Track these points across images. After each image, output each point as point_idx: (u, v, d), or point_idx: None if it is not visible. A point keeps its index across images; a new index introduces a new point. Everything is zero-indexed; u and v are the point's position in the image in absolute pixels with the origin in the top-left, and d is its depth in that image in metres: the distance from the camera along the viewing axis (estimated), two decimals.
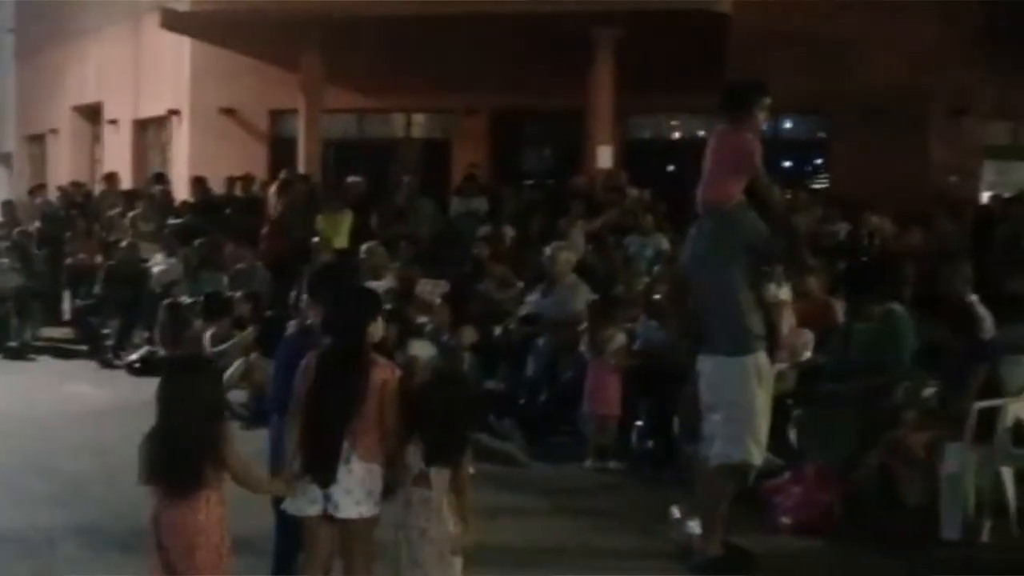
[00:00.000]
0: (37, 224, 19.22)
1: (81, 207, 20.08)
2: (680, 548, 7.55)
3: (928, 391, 8.42)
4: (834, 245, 13.86)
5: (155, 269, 16.20)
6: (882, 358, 8.67)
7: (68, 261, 17.65)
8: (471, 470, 5.56)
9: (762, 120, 7.40)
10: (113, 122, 26.62)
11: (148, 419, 5.15)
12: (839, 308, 9.87)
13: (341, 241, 15.58)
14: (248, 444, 5.69)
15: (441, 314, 11.67)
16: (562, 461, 10.22)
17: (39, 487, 9.13)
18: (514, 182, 19.87)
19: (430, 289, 12.51)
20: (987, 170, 21.24)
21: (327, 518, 5.46)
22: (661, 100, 20.17)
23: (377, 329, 5.66)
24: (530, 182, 20.94)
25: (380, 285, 12.06)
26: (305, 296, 9.96)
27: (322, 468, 5.39)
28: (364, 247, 13.36)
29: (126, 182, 22.77)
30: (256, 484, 5.42)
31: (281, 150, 22.06)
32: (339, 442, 5.38)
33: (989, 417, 8.02)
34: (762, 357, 7.14)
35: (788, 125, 20.90)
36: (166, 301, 14.96)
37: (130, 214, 18.13)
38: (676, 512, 7.94)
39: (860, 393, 8.58)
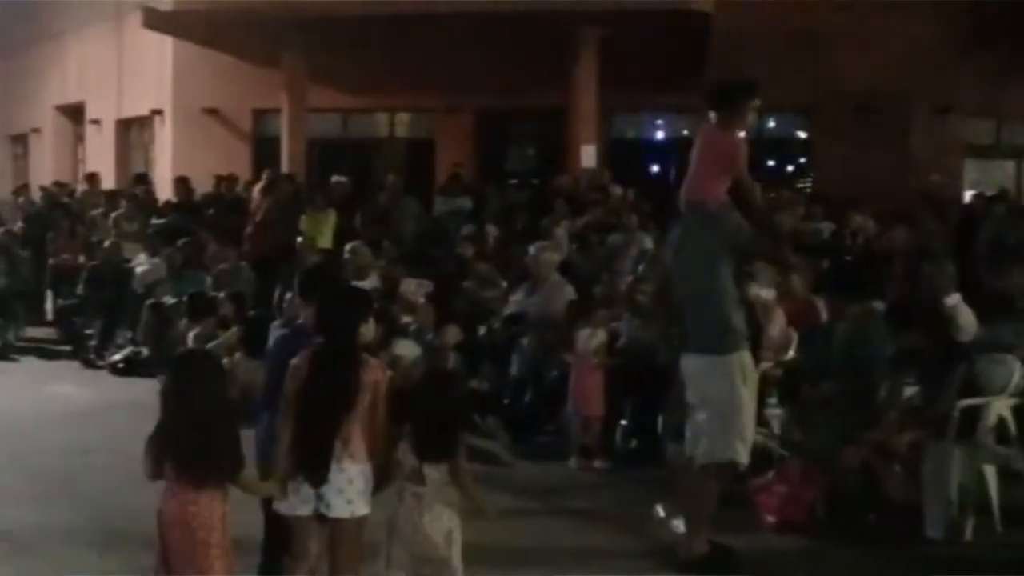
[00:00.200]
0: (20, 224, 19.16)
1: (64, 207, 20.01)
2: (665, 547, 7.56)
3: (910, 391, 8.43)
4: (817, 244, 13.89)
5: (138, 269, 16.15)
6: (863, 357, 8.68)
7: (51, 261, 17.61)
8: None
9: (752, 121, 7.40)
10: (96, 122, 26.58)
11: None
12: (822, 307, 9.89)
13: (325, 241, 15.57)
14: None
15: (425, 313, 11.67)
16: (547, 460, 10.23)
17: (22, 487, 9.10)
18: (498, 181, 19.88)
19: (414, 289, 12.49)
20: (970, 169, 21.31)
21: (318, 518, 5.48)
22: (645, 99, 20.20)
23: (368, 329, 5.68)
24: (514, 181, 20.97)
25: (364, 285, 12.04)
26: (291, 295, 9.98)
27: (314, 468, 5.40)
28: (348, 247, 13.35)
29: (109, 182, 22.72)
30: (250, 485, 5.42)
31: (264, 150, 22.05)
32: (331, 442, 5.39)
33: (972, 416, 8.05)
34: (746, 356, 7.15)
35: (771, 124, 20.93)
36: (149, 301, 14.96)
37: (113, 214, 18.08)
38: (661, 511, 7.96)
39: (842, 393, 8.59)
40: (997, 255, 12.41)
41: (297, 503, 5.48)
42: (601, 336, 10.37)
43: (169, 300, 14.73)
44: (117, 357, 14.81)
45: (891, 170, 18.69)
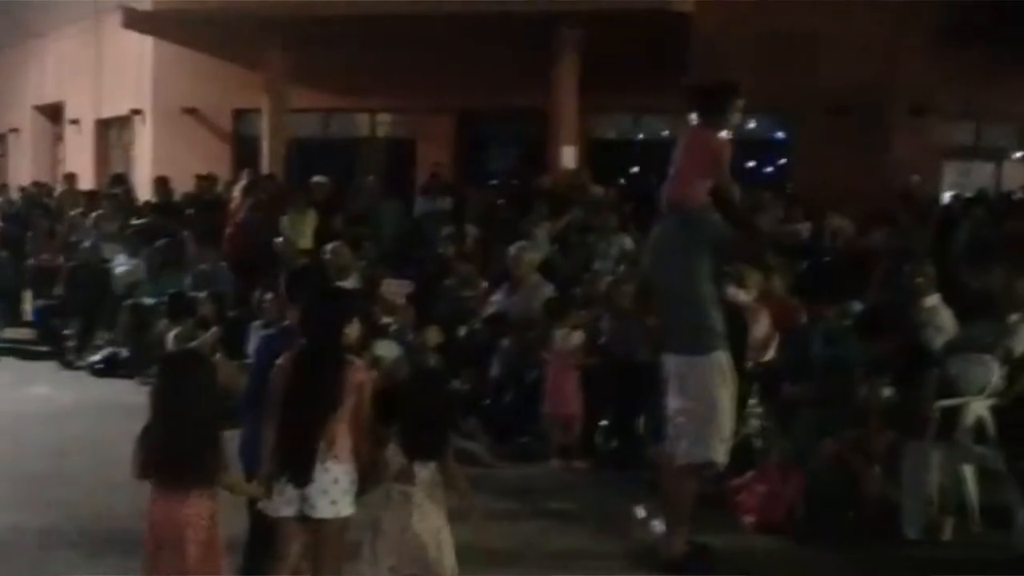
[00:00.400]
0: None
1: (43, 207, 19.94)
2: (645, 547, 7.58)
3: (888, 391, 8.46)
4: (796, 245, 13.91)
5: (118, 270, 16.10)
6: (842, 357, 8.71)
7: (30, 262, 17.52)
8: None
9: (735, 121, 7.41)
10: (75, 122, 26.47)
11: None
12: (801, 308, 9.92)
13: (306, 241, 15.52)
14: None
15: (406, 314, 11.67)
16: (527, 461, 10.23)
17: (0, 488, 9.06)
18: (478, 182, 19.87)
19: (394, 289, 12.48)
20: (949, 170, 21.37)
21: (302, 518, 5.48)
22: (625, 100, 20.20)
23: (353, 330, 5.71)
24: (494, 182, 20.97)
25: (345, 285, 12.02)
26: (271, 296, 9.97)
27: (298, 468, 5.41)
28: (328, 247, 13.32)
29: (88, 182, 22.67)
30: (233, 486, 5.42)
31: (245, 150, 21.98)
32: (315, 442, 5.41)
33: (950, 416, 8.08)
34: (724, 356, 7.16)
35: (750, 125, 20.95)
36: (128, 302, 14.91)
37: (93, 214, 18.01)
38: (641, 511, 7.98)
39: (821, 393, 8.62)
40: (976, 256, 12.44)
41: (281, 504, 5.49)
42: (578, 337, 10.38)
43: (148, 301, 14.68)
44: (96, 358, 14.75)
45: (870, 172, 18.72)
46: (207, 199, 18.85)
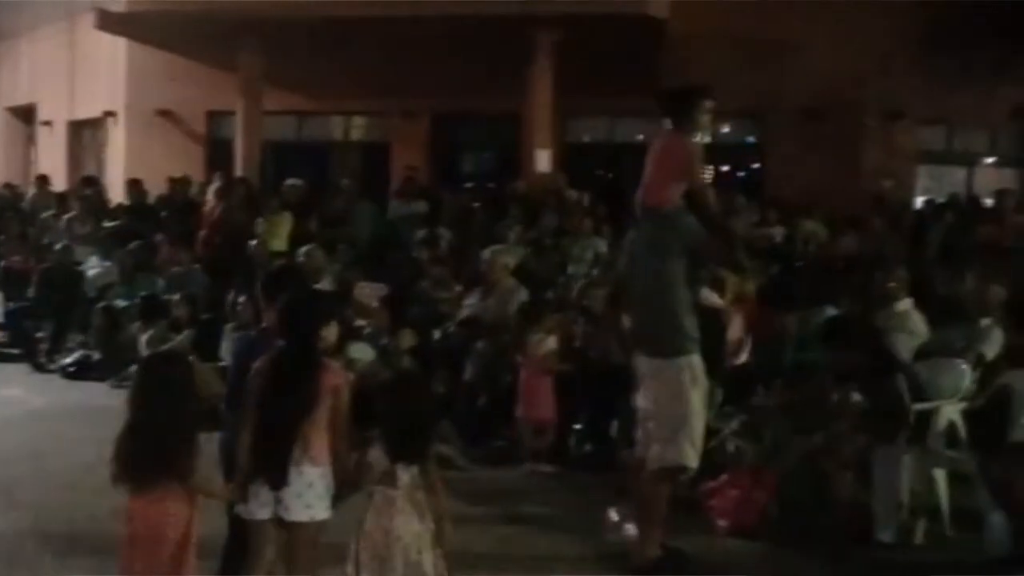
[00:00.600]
0: None
1: (15, 209, 19.84)
2: (618, 551, 7.59)
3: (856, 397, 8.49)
4: (770, 249, 13.95)
5: (90, 272, 16.05)
6: (813, 362, 8.75)
7: (1, 263, 17.43)
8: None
9: (706, 123, 7.42)
10: (47, 123, 26.33)
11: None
12: (770, 312, 9.97)
13: (280, 244, 15.50)
14: None
15: (380, 317, 11.66)
16: (500, 465, 10.23)
17: None
18: (454, 185, 19.86)
19: (368, 292, 12.48)
20: (922, 175, 21.46)
21: (277, 521, 5.47)
22: (600, 103, 20.22)
23: (331, 332, 5.71)
24: (469, 185, 20.97)
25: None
26: (244, 299, 9.95)
27: (274, 471, 5.40)
28: (302, 250, 13.31)
29: (61, 184, 22.52)
30: (204, 488, 5.40)
31: (219, 152, 21.90)
32: (290, 445, 5.40)
33: (922, 419, 8.12)
34: (696, 359, 7.17)
35: (724, 130, 21.01)
36: (101, 304, 14.86)
37: (65, 216, 17.95)
38: (614, 515, 7.98)
39: (793, 397, 8.65)
40: (947, 261, 12.52)
41: (256, 507, 5.48)
42: (552, 342, 10.39)
43: (121, 303, 14.65)
44: (68, 361, 14.70)
45: (843, 176, 18.81)
46: (181, 201, 18.80)
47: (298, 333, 5.58)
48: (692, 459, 7.20)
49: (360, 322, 11.73)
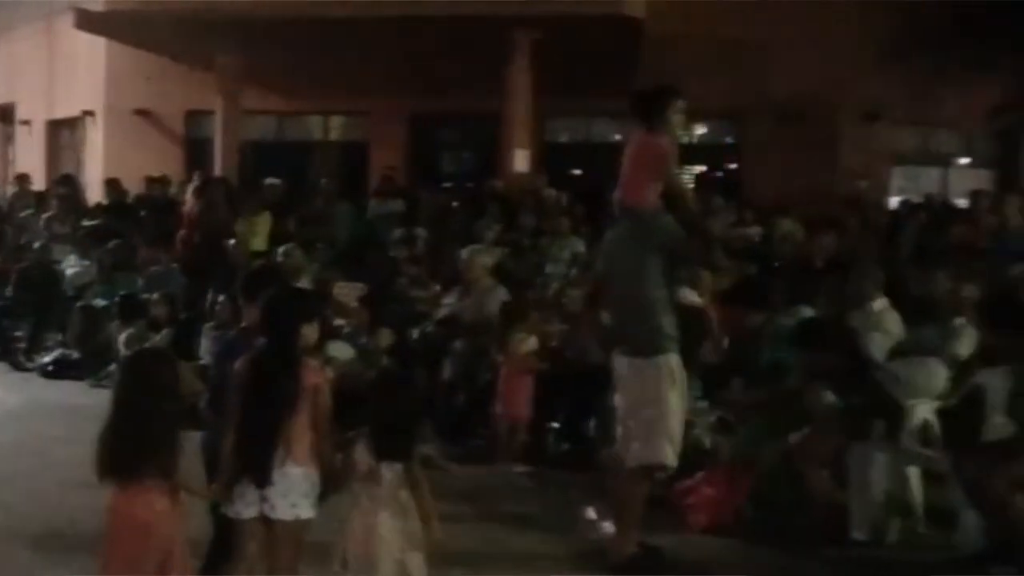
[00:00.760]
0: None
1: None
2: (595, 549, 7.62)
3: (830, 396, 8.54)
4: (747, 248, 13.99)
5: (68, 271, 16.02)
6: (788, 361, 8.80)
7: None
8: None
9: (677, 123, 7.47)
10: (26, 123, 26.27)
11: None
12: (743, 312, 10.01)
13: (260, 243, 15.49)
14: None
15: (359, 316, 11.68)
16: (478, 464, 10.25)
17: None
18: (432, 185, 19.89)
19: (347, 291, 12.49)
20: (898, 175, 21.58)
21: (262, 520, 5.50)
22: (578, 103, 20.28)
23: (312, 331, 5.70)
24: (448, 184, 21.00)
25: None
26: (223, 298, 9.95)
27: (257, 470, 5.42)
28: (281, 249, 13.31)
29: (39, 183, 22.44)
30: (192, 486, 5.43)
31: (197, 152, 21.90)
32: (273, 444, 5.42)
33: (896, 418, 8.17)
34: (674, 358, 7.21)
35: (701, 130, 21.10)
36: (79, 303, 14.84)
37: (44, 216, 17.91)
38: (591, 513, 8.02)
39: (769, 396, 8.71)
40: (921, 261, 12.58)
41: (242, 507, 5.51)
42: (533, 341, 10.43)
43: (100, 303, 14.63)
44: (46, 360, 14.66)
45: (819, 176, 18.91)
46: (159, 201, 18.77)
47: (279, 331, 5.59)
48: (671, 457, 7.23)
49: (339, 321, 11.75)
